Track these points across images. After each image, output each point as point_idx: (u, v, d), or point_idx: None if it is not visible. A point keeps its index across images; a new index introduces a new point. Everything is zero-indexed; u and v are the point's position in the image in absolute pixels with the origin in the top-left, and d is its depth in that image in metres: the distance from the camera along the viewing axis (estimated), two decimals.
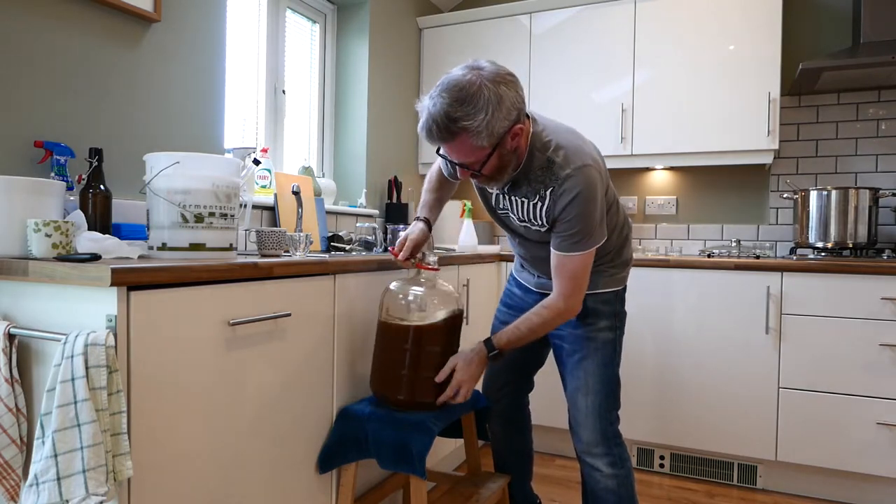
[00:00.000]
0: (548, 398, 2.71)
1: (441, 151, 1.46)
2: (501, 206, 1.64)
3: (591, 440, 1.64)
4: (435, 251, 2.69)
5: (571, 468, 2.67)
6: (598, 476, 1.65)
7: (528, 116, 1.50)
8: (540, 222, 1.55)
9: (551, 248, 1.55)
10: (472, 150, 1.39)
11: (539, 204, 1.52)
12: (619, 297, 1.71)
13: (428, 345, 1.60)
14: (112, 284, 1.03)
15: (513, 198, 1.58)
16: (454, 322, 1.66)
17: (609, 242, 1.64)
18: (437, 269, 1.65)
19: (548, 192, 1.49)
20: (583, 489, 1.75)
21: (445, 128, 1.35)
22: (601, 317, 1.66)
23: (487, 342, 1.60)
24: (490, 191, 1.64)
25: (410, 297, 1.62)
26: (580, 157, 1.46)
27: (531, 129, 1.49)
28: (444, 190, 1.84)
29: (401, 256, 1.63)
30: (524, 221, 1.59)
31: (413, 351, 1.59)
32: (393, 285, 1.66)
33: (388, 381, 1.61)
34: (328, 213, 2.69)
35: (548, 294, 1.71)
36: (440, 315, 1.62)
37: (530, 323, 1.57)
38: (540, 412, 2.74)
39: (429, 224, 1.73)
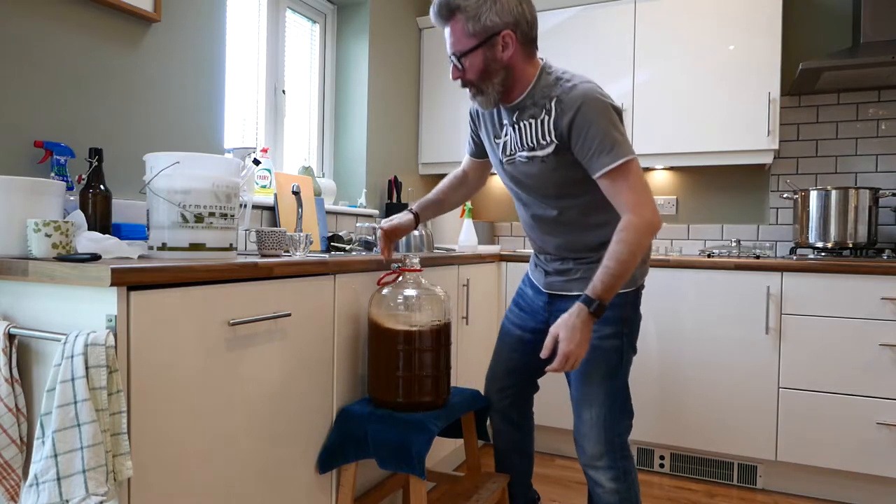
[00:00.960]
0: (549, 398, 2.71)
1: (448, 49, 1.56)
2: (509, 151, 1.63)
3: (595, 453, 1.59)
4: (435, 251, 2.69)
5: (571, 468, 2.67)
6: (600, 492, 1.60)
7: (536, 50, 1.57)
8: (548, 139, 1.52)
9: (595, 178, 1.49)
10: (462, 36, 1.49)
11: (546, 118, 1.52)
12: (630, 300, 1.62)
13: (419, 342, 1.60)
14: (112, 284, 1.03)
15: (521, 124, 1.57)
16: (443, 317, 1.67)
17: (612, 228, 1.54)
18: (419, 270, 1.67)
19: (553, 104, 1.51)
20: (588, 498, 1.72)
21: (445, 4, 1.49)
22: (606, 323, 1.58)
23: (584, 299, 1.46)
24: (498, 141, 1.66)
25: (399, 299, 1.63)
26: (587, 79, 1.52)
27: (541, 63, 1.57)
28: (454, 193, 1.87)
29: (380, 233, 1.74)
30: (533, 150, 1.56)
31: (405, 350, 1.59)
32: (381, 291, 1.67)
33: (386, 386, 1.61)
34: (328, 213, 2.69)
35: (557, 295, 1.70)
36: (428, 311, 1.62)
37: (616, 254, 1.44)
38: (541, 412, 2.74)
39: (417, 218, 1.78)
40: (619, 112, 1.51)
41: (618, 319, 1.60)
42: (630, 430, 1.63)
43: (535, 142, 1.56)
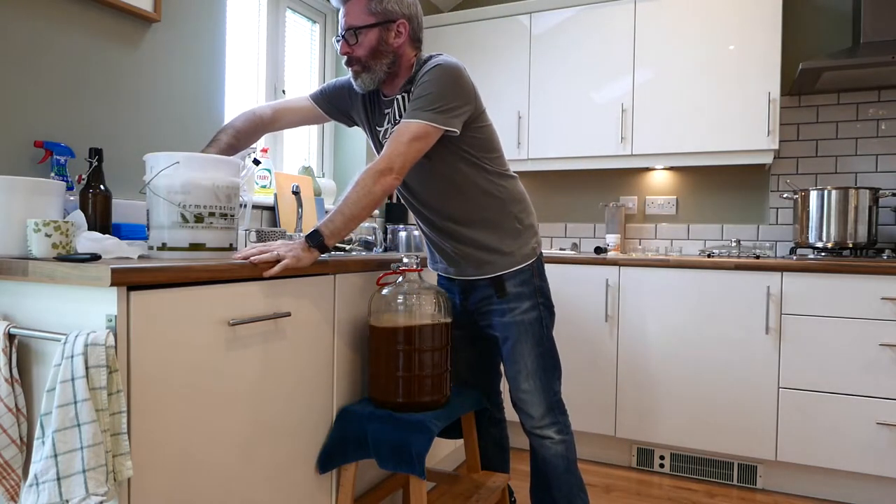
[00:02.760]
0: None
1: (339, 26, 1.60)
2: (390, 133, 1.66)
3: (540, 414, 1.72)
4: None
5: None
6: (549, 443, 1.72)
7: (419, 44, 1.64)
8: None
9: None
10: (361, 13, 1.56)
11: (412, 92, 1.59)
12: (537, 270, 1.73)
13: (420, 341, 1.61)
14: (112, 284, 1.03)
15: (397, 104, 1.65)
16: (444, 316, 1.68)
17: (504, 212, 1.68)
18: (420, 270, 1.68)
19: (416, 77, 1.59)
20: (532, 461, 1.79)
21: None
22: (523, 298, 1.69)
23: (311, 234, 1.44)
24: (379, 129, 1.70)
25: (399, 299, 1.63)
26: (451, 58, 1.58)
27: (420, 53, 1.65)
28: (252, 138, 1.77)
29: None
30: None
31: (405, 350, 1.59)
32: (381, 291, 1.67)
33: (386, 386, 1.61)
34: (328, 212, 2.69)
35: (465, 280, 1.75)
36: (428, 310, 1.62)
37: (346, 196, 1.48)
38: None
39: None
40: (467, 89, 1.56)
41: (531, 293, 1.71)
42: (561, 385, 1.77)
43: (402, 115, 1.62)
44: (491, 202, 1.68)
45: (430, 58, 1.60)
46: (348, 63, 1.60)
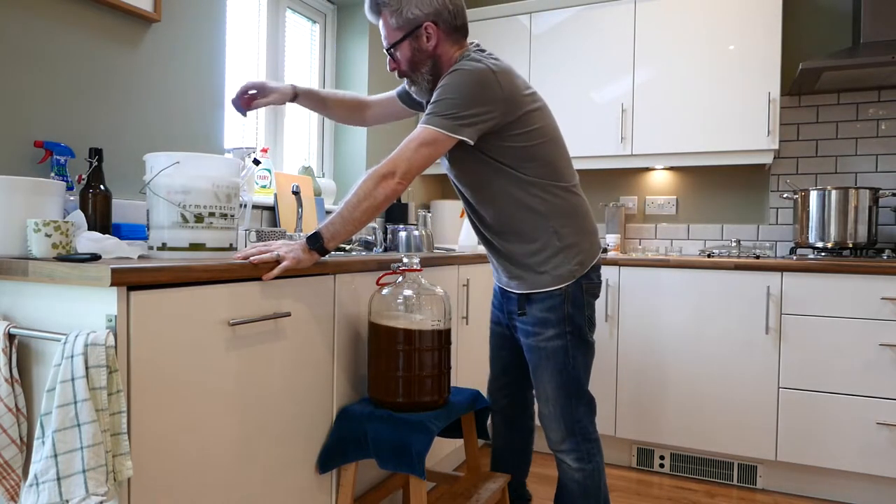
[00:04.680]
0: None
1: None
2: None
3: (558, 439, 1.69)
4: (435, 251, 2.69)
5: None
6: (566, 468, 1.70)
7: (465, 38, 1.61)
8: None
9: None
10: (390, 30, 1.57)
11: None
12: (570, 297, 1.60)
13: (419, 342, 1.60)
14: (112, 284, 1.03)
15: None
16: (442, 317, 1.67)
17: (542, 227, 1.58)
18: (419, 270, 1.67)
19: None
20: (558, 478, 1.78)
21: (373, 2, 1.58)
22: (548, 325, 1.62)
23: (314, 234, 1.43)
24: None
25: (399, 299, 1.62)
26: (488, 60, 1.52)
27: (467, 47, 1.60)
28: (342, 108, 1.85)
29: (246, 83, 1.69)
30: None
31: (405, 350, 1.59)
32: (381, 291, 1.67)
33: (385, 386, 1.61)
34: (328, 213, 2.69)
35: (509, 293, 1.73)
36: (427, 311, 1.62)
37: (347, 199, 1.46)
38: None
39: (294, 96, 1.75)
40: (490, 96, 1.47)
41: (559, 320, 1.62)
42: (591, 413, 1.69)
43: None
44: (526, 215, 1.58)
45: (465, 56, 1.54)
46: (399, 76, 1.63)
